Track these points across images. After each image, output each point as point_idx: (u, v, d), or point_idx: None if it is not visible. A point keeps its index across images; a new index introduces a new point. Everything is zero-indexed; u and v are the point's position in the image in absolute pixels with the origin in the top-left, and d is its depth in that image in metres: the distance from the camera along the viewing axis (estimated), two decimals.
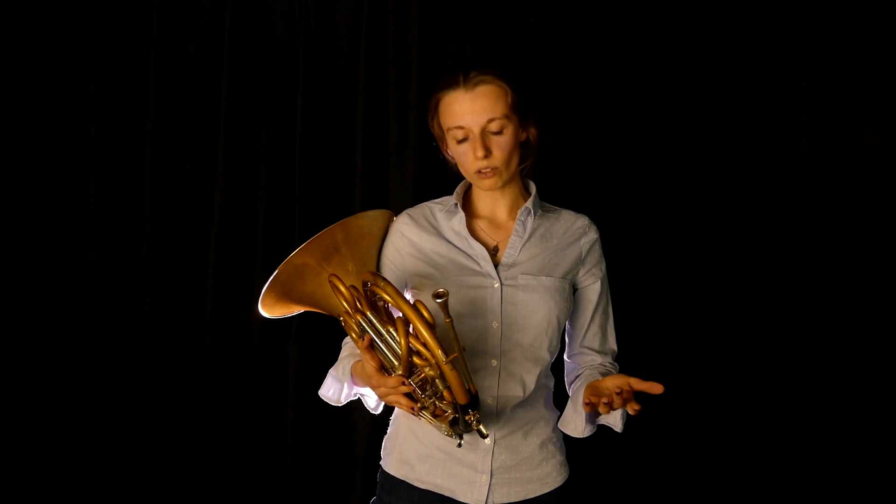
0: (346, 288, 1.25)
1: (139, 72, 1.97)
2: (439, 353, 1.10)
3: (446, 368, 1.11)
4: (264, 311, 1.35)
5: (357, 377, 1.34)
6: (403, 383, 1.16)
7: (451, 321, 1.12)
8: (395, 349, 1.19)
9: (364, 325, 1.23)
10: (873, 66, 1.85)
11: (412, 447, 1.38)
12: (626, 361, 1.50)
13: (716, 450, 1.91)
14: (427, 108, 1.42)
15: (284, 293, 1.32)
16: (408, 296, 1.41)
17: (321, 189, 1.95)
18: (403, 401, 1.18)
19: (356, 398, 1.42)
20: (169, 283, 1.98)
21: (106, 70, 1.96)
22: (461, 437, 1.24)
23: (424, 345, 1.11)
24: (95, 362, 1.98)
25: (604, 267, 1.46)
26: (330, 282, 1.28)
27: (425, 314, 1.12)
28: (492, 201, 1.43)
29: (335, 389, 1.39)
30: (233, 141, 1.96)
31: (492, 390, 1.33)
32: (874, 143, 1.86)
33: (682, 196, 1.92)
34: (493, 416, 1.34)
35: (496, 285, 1.34)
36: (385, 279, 1.19)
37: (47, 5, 1.97)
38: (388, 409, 1.53)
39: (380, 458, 1.47)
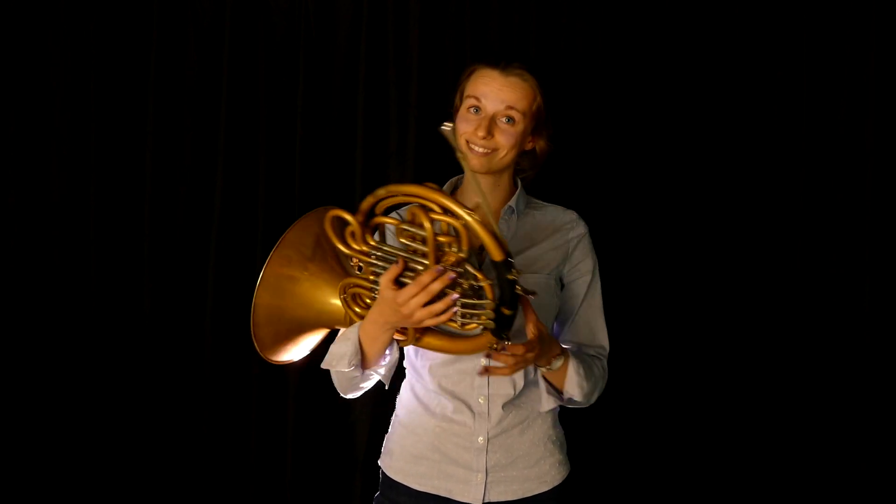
0: (350, 215, 1.17)
1: (139, 72, 1.97)
2: (462, 210, 1.06)
3: (474, 223, 1.05)
4: (269, 355, 1.29)
5: (366, 336, 1.25)
6: (439, 272, 1.08)
7: (465, 155, 1.11)
8: (417, 247, 1.12)
9: (374, 257, 1.15)
10: (873, 66, 1.85)
11: (407, 449, 1.39)
12: (626, 361, 1.50)
13: (715, 448, 1.91)
14: (458, 82, 1.42)
15: (278, 311, 1.25)
16: None
17: (321, 189, 1.95)
18: (440, 305, 1.10)
19: (364, 382, 1.36)
20: (169, 283, 1.98)
21: (106, 70, 1.97)
22: (507, 335, 1.13)
23: (446, 210, 1.07)
24: (95, 362, 1.98)
25: (592, 262, 1.43)
26: (331, 217, 1.18)
27: (433, 187, 1.10)
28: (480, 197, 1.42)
29: (344, 348, 1.27)
30: (233, 141, 1.96)
31: (482, 389, 1.34)
32: (874, 142, 1.86)
33: (683, 195, 1.92)
34: (484, 415, 1.34)
35: None
36: (383, 187, 1.14)
37: (47, 5, 1.97)
38: (382, 408, 1.53)
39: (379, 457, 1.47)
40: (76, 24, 1.96)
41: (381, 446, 1.48)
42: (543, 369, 1.30)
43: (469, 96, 1.36)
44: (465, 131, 1.34)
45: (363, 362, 1.30)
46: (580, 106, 1.92)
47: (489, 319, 1.11)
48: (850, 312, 1.88)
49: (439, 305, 1.11)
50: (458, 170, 1.54)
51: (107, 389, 1.98)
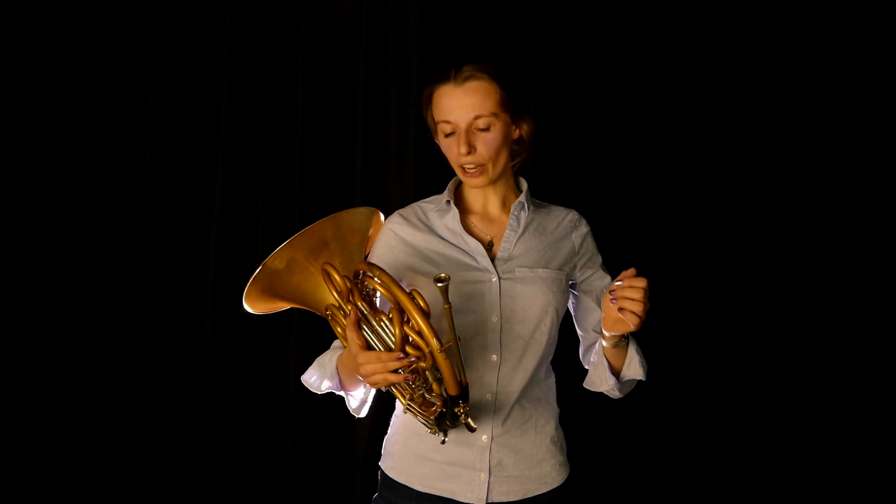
0: (341, 277, 1.25)
1: (139, 72, 1.97)
2: (434, 341, 1.10)
3: (440, 357, 1.10)
4: (248, 306, 1.34)
5: (343, 367, 1.33)
6: (399, 359, 1.14)
7: (450, 307, 1.12)
8: (386, 339, 1.18)
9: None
10: (873, 66, 1.85)
11: (409, 450, 1.38)
12: None
13: (716, 448, 1.91)
14: (421, 101, 1.42)
15: (269, 287, 1.31)
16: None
17: (321, 189, 1.95)
18: (392, 377, 1.15)
19: (339, 395, 1.41)
20: (169, 283, 1.98)
21: (106, 70, 1.97)
22: (445, 434, 1.23)
23: (419, 333, 1.11)
24: (95, 362, 1.98)
25: (601, 258, 1.46)
26: (324, 270, 1.27)
27: (421, 303, 1.13)
28: (482, 197, 1.44)
29: (317, 376, 1.37)
30: (233, 141, 1.96)
31: (491, 386, 1.33)
32: (874, 141, 1.86)
33: (683, 195, 1.92)
34: (491, 412, 1.33)
35: (494, 279, 1.34)
36: (380, 268, 1.18)
37: (48, 6, 1.97)
38: (381, 410, 1.53)
39: (379, 458, 1.47)
40: (76, 24, 1.96)
41: (381, 447, 1.48)
42: (607, 345, 1.30)
43: (439, 122, 1.35)
44: (452, 157, 1.36)
45: (342, 385, 1.36)
46: (581, 106, 1.93)
47: (434, 421, 1.20)
48: (850, 312, 1.88)
49: (393, 377, 1.15)
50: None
51: (107, 390, 1.98)
